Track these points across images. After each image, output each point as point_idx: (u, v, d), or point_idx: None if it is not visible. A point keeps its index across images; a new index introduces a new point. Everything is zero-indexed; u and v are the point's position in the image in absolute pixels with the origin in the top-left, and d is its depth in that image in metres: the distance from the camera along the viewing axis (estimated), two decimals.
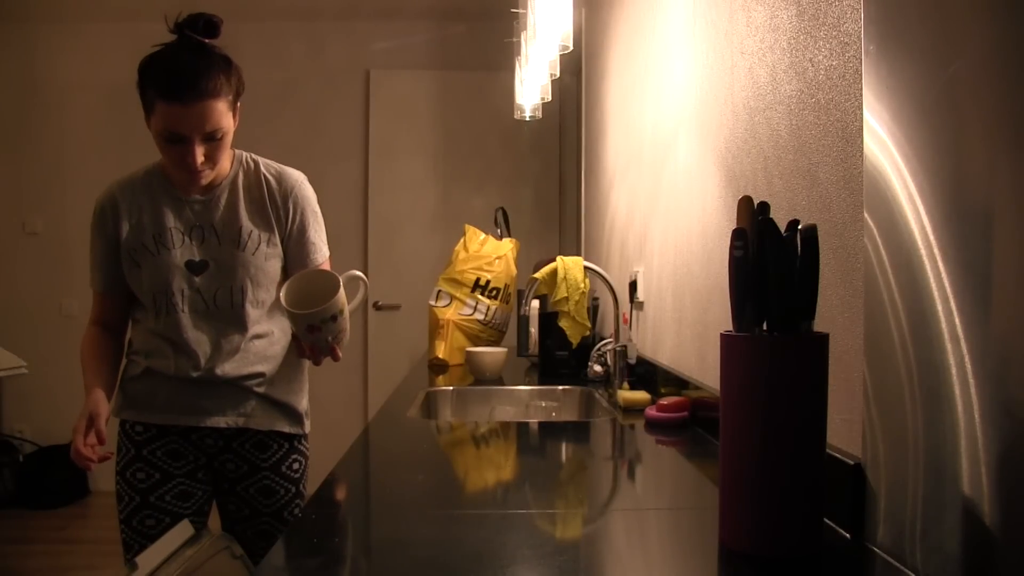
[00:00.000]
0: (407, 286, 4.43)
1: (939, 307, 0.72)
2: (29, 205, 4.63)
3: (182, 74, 1.47)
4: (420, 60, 4.60)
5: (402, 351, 4.20)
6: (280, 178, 1.68)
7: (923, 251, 0.75)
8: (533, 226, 4.35)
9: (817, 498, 0.83)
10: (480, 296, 2.77)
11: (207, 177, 1.59)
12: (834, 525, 0.91)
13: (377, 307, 4.55)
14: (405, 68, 4.59)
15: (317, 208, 1.72)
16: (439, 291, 2.81)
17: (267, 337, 1.67)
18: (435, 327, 2.75)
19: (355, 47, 4.61)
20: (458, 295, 2.77)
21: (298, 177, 1.71)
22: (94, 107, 4.53)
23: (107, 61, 4.38)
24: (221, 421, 1.62)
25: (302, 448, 1.75)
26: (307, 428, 1.75)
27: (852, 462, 0.88)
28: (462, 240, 2.90)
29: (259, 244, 1.64)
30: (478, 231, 2.93)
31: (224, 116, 1.52)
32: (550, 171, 4.60)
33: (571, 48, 2.25)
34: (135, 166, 1.70)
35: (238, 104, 1.58)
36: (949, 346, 0.71)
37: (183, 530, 1.43)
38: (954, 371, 0.70)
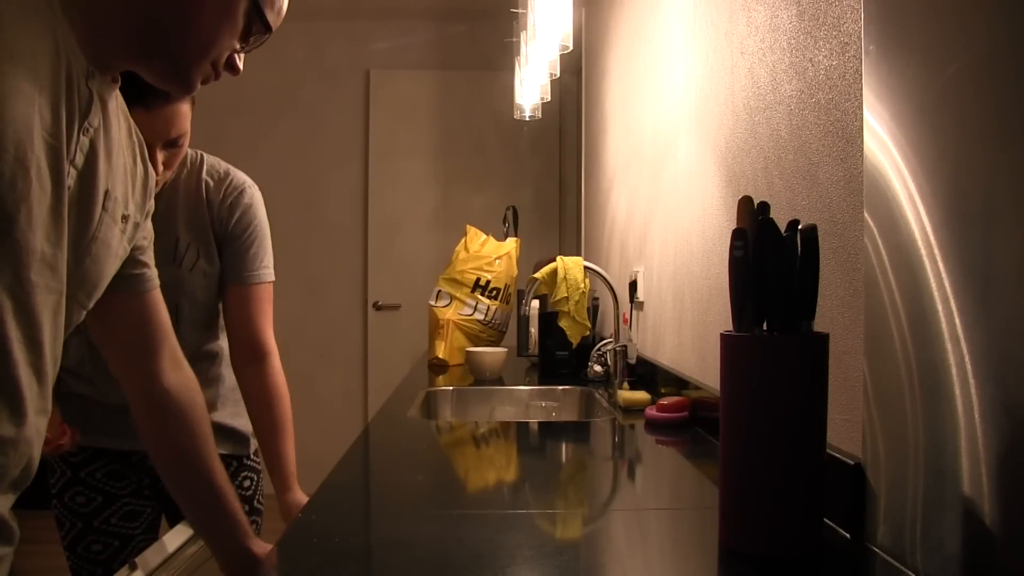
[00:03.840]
0: (407, 286, 4.43)
1: (939, 307, 0.72)
2: None
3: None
4: (420, 60, 4.60)
5: (402, 351, 4.20)
6: (221, 180, 1.56)
7: (923, 251, 0.75)
8: (533, 226, 4.35)
9: (817, 498, 0.83)
10: (480, 296, 2.77)
11: (159, 185, 1.47)
12: (834, 525, 0.91)
13: (377, 307, 4.54)
14: (405, 68, 4.59)
15: (260, 220, 1.58)
16: (439, 291, 2.81)
17: (206, 360, 1.58)
18: (435, 327, 2.75)
19: (355, 47, 4.61)
20: (458, 295, 2.77)
21: (241, 180, 1.58)
22: None
23: None
24: None
25: (251, 464, 1.68)
26: (252, 447, 1.67)
27: (852, 462, 0.88)
28: (463, 240, 2.90)
29: (196, 259, 1.53)
30: (479, 231, 2.93)
31: (187, 120, 1.42)
32: (550, 171, 4.60)
33: (571, 48, 2.26)
34: None
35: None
36: (949, 346, 0.71)
37: (183, 530, 1.43)
38: (954, 371, 0.70)
